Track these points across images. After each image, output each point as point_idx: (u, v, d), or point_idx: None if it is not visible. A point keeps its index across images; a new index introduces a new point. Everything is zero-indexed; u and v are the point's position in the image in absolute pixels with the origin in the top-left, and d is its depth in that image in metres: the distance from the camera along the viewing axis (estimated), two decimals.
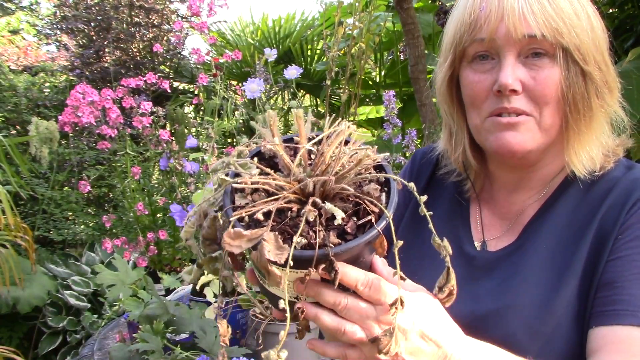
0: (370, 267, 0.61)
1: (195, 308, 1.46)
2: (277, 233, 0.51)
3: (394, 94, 2.13)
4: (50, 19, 5.56)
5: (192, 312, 1.41)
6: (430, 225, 0.57)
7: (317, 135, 0.62)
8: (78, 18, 4.71)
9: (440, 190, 0.99)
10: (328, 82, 2.07)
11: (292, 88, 2.03)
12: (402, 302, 0.55)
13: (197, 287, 1.65)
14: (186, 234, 0.59)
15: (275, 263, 0.50)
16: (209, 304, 1.53)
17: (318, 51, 4.60)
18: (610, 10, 3.18)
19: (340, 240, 0.54)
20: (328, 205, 0.54)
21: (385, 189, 0.61)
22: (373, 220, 0.56)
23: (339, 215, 0.53)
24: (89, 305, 3.08)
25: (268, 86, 2.17)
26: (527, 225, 0.87)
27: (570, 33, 0.76)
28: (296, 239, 0.51)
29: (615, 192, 0.81)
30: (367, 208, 0.57)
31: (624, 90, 0.87)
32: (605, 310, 0.74)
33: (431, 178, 1.01)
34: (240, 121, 2.03)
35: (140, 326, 1.33)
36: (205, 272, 0.60)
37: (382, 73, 3.88)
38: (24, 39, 6.14)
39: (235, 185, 0.56)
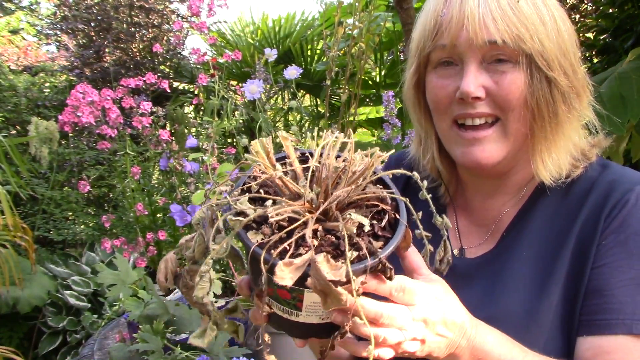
0: (404, 258, 0.63)
1: (195, 308, 1.46)
2: (325, 253, 0.51)
3: (393, 94, 2.13)
4: (50, 19, 5.56)
5: (192, 312, 1.41)
6: (432, 208, 0.63)
7: (302, 154, 0.63)
8: (78, 18, 4.71)
9: (415, 197, 0.99)
10: (328, 82, 2.06)
11: (292, 88, 2.03)
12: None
13: None
14: (202, 291, 0.57)
15: (337, 282, 0.50)
16: None
17: (318, 51, 4.59)
18: (610, 10, 3.17)
19: (381, 243, 0.55)
20: (354, 215, 0.55)
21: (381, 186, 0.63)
22: (396, 216, 0.58)
23: (367, 222, 0.54)
24: (89, 305, 3.08)
25: (268, 86, 2.16)
26: (506, 232, 0.86)
27: (532, 39, 0.75)
28: (349, 252, 0.52)
29: (593, 194, 0.79)
30: (384, 208, 0.58)
31: (626, 92, 0.87)
32: (596, 319, 0.74)
33: (406, 185, 1.00)
34: (240, 121, 2.03)
35: (140, 326, 1.33)
36: (221, 329, 0.59)
37: (382, 73, 3.88)
38: (24, 39, 6.14)
39: (261, 217, 0.55)
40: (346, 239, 0.52)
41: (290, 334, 0.64)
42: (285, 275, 0.50)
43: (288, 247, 0.52)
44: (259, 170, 0.59)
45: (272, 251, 0.52)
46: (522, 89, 0.77)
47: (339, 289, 0.50)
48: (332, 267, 0.50)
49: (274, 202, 0.57)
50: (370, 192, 0.59)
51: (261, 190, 0.59)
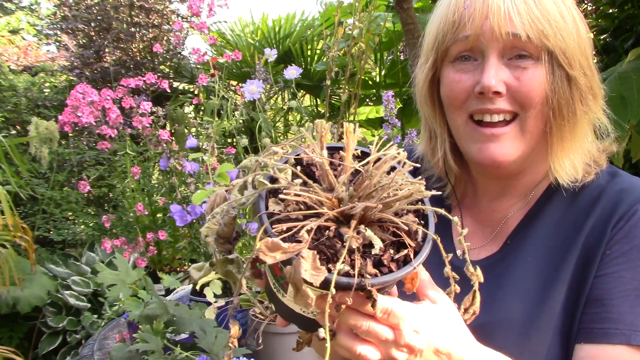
0: None
1: (195, 308, 1.46)
2: (315, 252, 0.50)
3: (393, 94, 2.13)
4: (50, 19, 5.56)
5: (192, 312, 1.41)
6: (467, 256, 0.60)
7: (362, 152, 0.62)
8: (78, 18, 4.72)
9: None
10: (328, 82, 2.06)
11: (292, 88, 2.03)
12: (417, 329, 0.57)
13: (197, 287, 1.65)
14: (208, 230, 0.58)
15: (310, 283, 0.49)
16: (209, 304, 1.53)
17: (318, 51, 4.59)
18: (610, 10, 3.17)
19: (376, 271, 0.54)
20: (368, 232, 0.53)
21: (422, 222, 0.61)
22: (411, 255, 0.56)
23: (378, 244, 0.53)
24: (89, 305, 3.08)
25: (268, 86, 2.16)
26: (511, 235, 0.85)
27: (556, 36, 0.75)
28: (339, 265, 0.51)
29: (601, 203, 0.79)
30: (405, 242, 0.56)
31: (626, 92, 0.86)
32: (595, 327, 0.73)
33: None
34: (240, 121, 2.03)
35: (140, 326, 1.33)
36: (216, 272, 0.60)
37: (382, 73, 3.88)
38: (24, 39, 6.14)
39: (277, 191, 0.56)
40: (345, 250, 0.51)
41: (276, 310, 0.64)
42: (269, 253, 0.50)
43: (286, 229, 0.52)
44: (311, 149, 0.59)
45: (277, 225, 0.52)
46: (543, 86, 0.76)
47: (308, 291, 0.50)
48: (314, 268, 0.49)
49: (305, 184, 0.56)
50: (400, 220, 0.57)
51: (298, 167, 0.59)
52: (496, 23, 0.74)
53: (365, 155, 0.61)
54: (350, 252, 0.53)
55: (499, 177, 0.86)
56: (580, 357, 0.74)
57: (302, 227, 0.52)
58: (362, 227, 0.54)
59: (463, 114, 0.80)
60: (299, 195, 0.54)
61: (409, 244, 0.56)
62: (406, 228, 0.57)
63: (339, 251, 0.53)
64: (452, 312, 0.62)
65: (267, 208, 0.55)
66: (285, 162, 0.59)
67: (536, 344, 0.76)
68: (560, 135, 0.79)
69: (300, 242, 0.51)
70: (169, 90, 2.17)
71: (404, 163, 0.59)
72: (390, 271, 0.54)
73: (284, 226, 0.52)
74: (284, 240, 0.51)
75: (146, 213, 1.93)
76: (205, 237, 0.59)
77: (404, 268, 0.55)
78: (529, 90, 0.76)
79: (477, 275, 0.61)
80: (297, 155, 0.60)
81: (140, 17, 4.79)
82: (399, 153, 0.59)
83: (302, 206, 0.55)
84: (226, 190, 0.63)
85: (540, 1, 0.75)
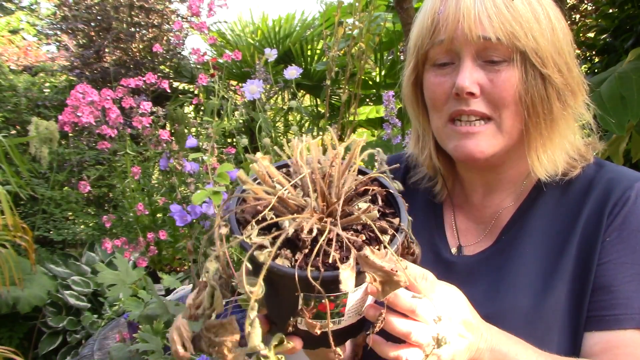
0: None
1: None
2: (366, 246, 0.52)
3: (393, 94, 2.13)
4: (50, 19, 5.56)
5: None
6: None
7: (280, 166, 0.64)
8: (78, 18, 4.72)
9: (412, 198, 0.98)
10: (328, 82, 2.06)
11: (292, 88, 2.03)
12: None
13: None
14: (258, 338, 0.54)
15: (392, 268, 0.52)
16: None
17: (318, 51, 4.59)
18: (610, 10, 3.18)
19: (397, 220, 0.60)
20: (362, 204, 0.59)
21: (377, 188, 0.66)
22: (387, 193, 0.63)
23: (374, 206, 0.59)
24: (89, 305, 3.08)
25: (268, 86, 2.16)
26: (505, 229, 0.87)
27: (526, 36, 0.76)
28: (382, 237, 0.55)
29: (593, 193, 0.81)
30: (372, 189, 0.62)
31: (626, 92, 0.87)
32: (605, 315, 0.75)
33: (402, 185, 1.01)
34: (240, 121, 2.03)
35: (140, 326, 1.33)
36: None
37: (382, 73, 3.88)
38: (24, 39, 6.14)
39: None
40: (375, 227, 0.54)
41: (325, 345, 0.58)
42: (349, 281, 0.50)
43: (332, 261, 0.51)
44: (252, 197, 0.58)
45: (306, 268, 0.51)
46: (517, 86, 0.78)
47: (398, 272, 0.51)
48: (380, 256, 0.51)
49: (277, 226, 0.55)
50: (359, 180, 0.61)
51: (272, 216, 0.57)
52: (467, 27, 0.76)
53: (282, 166, 0.64)
54: (375, 239, 0.56)
55: (481, 169, 0.88)
56: (591, 344, 0.76)
57: (327, 242, 0.53)
58: (353, 205, 0.59)
59: (443, 116, 0.83)
60: (309, 228, 0.53)
61: (375, 190, 0.62)
62: (365, 182, 0.63)
63: (359, 234, 0.56)
64: (457, 288, 0.66)
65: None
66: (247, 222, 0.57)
67: (542, 332, 0.77)
68: (538, 132, 0.81)
69: (337, 267, 0.51)
70: (169, 90, 2.16)
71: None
72: (394, 213, 0.61)
73: (331, 259, 0.51)
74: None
75: (146, 213, 1.93)
76: (257, 346, 0.55)
77: (398, 200, 0.62)
78: (502, 91, 0.78)
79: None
80: (236, 214, 0.58)
81: (140, 17, 4.80)
82: (306, 141, 0.62)
83: (293, 239, 0.54)
84: (183, 317, 0.58)
85: (511, 4, 0.77)
